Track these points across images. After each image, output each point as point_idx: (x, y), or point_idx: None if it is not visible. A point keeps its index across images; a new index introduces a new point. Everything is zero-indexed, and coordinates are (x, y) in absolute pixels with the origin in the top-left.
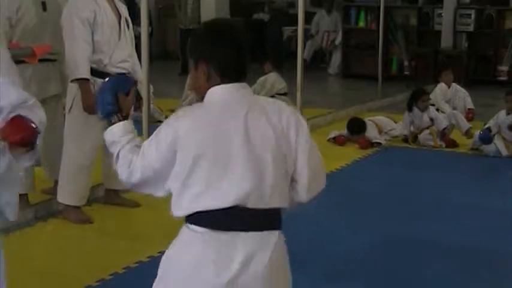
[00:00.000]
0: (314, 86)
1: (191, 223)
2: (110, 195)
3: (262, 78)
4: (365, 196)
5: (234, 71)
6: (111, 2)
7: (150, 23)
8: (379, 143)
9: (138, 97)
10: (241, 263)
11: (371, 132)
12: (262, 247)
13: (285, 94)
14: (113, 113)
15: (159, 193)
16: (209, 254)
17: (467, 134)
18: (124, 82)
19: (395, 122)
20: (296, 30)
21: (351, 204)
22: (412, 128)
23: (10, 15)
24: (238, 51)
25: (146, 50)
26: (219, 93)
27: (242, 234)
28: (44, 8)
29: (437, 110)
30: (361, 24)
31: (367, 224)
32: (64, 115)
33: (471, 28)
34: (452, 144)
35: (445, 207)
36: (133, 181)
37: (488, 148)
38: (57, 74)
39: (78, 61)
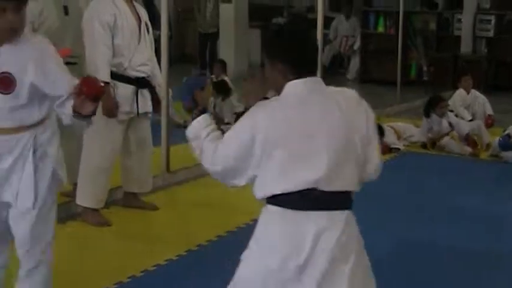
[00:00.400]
0: None
1: (270, 204)
2: (129, 198)
3: None
4: (382, 200)
5: (307, 67)
6: (131, 5)
7: (170, 27)
8: (398, 149)
9: (157, 100)
10: (312, 239)
11: (389, 138)
12: (332, 224)
13: None
14: (191, 107)
15: (242, 181)
16: (285, 229)
17: (488, 147)
18: (196, 81)
19: (417, 127)
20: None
21: (367, 208)
22: (430, 134)
23: (33, 19)
24: (311, 48)
25: (166, 53)
26: (296, 86)
27: (314, 213)
28: (66, 12)
29: (456, 116)
30: (380, 29)
31: (383, 228)
32: None
33: (491, 34)
34: (475, 145)
35: (462, 213)
36: (216, 170)
37: (508, 154)
38: (78, 77)
39: (99, 65)
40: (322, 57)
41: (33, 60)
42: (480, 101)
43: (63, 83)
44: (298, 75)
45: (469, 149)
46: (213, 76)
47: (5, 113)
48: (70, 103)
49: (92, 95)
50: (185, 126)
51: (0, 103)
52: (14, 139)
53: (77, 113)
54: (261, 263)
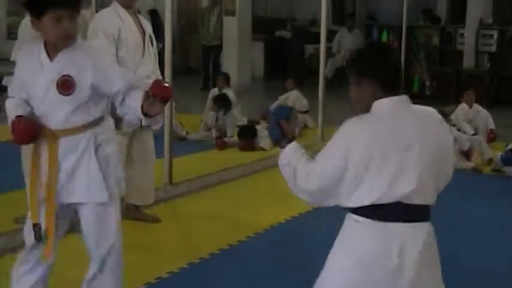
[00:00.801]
0: (335, 104)
1: (356, 214)
2: (131, 210)
3: (284, 96)
4: None
5: (395, 85)
6: (135, 18)
7: (173, 39)
8: None
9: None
10: (398, 249)
11: None
12: (418, 235)
13: (306, 112)
14: (280, 138)
15: (336, 201)
16: (374, 240)
17: (489, 162)
18: (282, 111)
19: None
20: (318, 48)
21: None
22: None
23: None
24: (398, 68)
25: (169, 66)
26: (386, 104)
27: (400, 224)
28: None
29: (458, 130)
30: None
31: None
32: None
33: (493, 49)
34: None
35: (464, 226)
36: (311, 189)
37: (510, 169)
38: None
39: None
40: (325, 70)
41: (89, 63)
42: (482, 116)
43: (119, 78)
44: (387, 94)
45: (471, 164)
46: (215, 89)
47: (66, 114)
48: (136, 103)
49: (162, 97)
50: (185, 139)
51: (62, 105)
52: (76, 139)
53: (145, 113)
54: (351, 272)
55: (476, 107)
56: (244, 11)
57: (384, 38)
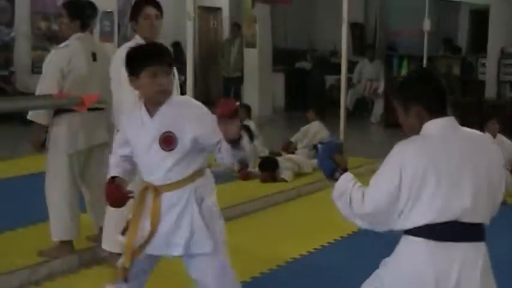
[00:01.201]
0: (357, 134)
1: (411, 235)
2: None
3: (305, 127)
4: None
5: (441, 108)
6: None
7: (195, 72)
8: None
9: None
10: (458, 269)
11: None
12: (475, 255)
13: None
14: (334, 171)
15: (390, 224)
16: (432, 260)
17: None
18: (334, 145)
19: None
20: (338, 78)
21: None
22: None
23: (62, 66)
24: (443, 91)
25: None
26: (435, 126)
27: (457, 244)
28: (94, 58)
29: None
30: (404, 73)
31: None
32: None
33: None
34: None
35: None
36: (367, 211)
37: None
38: (105, 122)
39: (126, 111)
40: (346, 101)
41: (188, 117)
42: (506, 146)
43: (216, 129)
44: (435, 116)
45: None
46: None
47: (168, 169)
48: (225, 143)
49: (226, 111)
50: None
51: (164, 160)
52: (178, 193)
53: (230, 142)
54: None
55: (500, 137)
56: (265, 42)
57: (405, 69)
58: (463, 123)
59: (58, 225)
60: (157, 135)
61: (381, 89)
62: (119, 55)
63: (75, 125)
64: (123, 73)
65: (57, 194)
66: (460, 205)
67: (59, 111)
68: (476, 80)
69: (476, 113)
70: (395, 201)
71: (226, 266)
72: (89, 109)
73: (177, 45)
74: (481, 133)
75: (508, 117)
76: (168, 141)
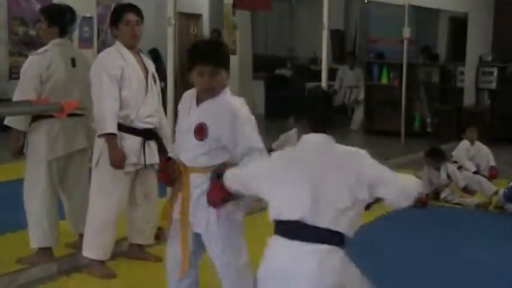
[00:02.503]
0: (337, 141)
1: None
2: (134, 250)
3: (286, 134)
4: (380, 253)
5: (320, 125)
6: (138, 57)
7: (175, 78)
8: None
9: (164, 151)
10: (292, 266)
11: None
12: (312, 255)
13: None
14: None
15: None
16: (276, 253)
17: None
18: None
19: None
20: (318, 86)
21: (366, 262)
22: (432, 187)
23: (41, 71)
24: (322, 110)
25: (172, 104)
26: (309, 138)
27: (296, 242)
28: (73, 64)
29: (460, 167)
30: (384, 80)
31: (382, 281)
32: (90, 169)
33: (493, 86)
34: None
35: (464, 265)
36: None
37: None
38: (84, 128)
39: (106, 117)
40: None
41: (225, 117)
42: (484, 153)
43: (244, 142)
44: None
45: (475, 201)
46: None
47: (196, 156)
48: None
49: (214, 201)
50: None
51: (195, 147)
52: (201, 177)
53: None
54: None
55: (478, 144)
56: (245, 49)
57: (385, 76)
58: (442, 130)
59: (37, 232)
60: (194, 124)
61: (361, 97)
62: (99, 60)
63: (54, 131)
64: (104, 78)
65: (35, 200)
66: (301, 208)
67: (37, 117)
68: (455, 88)
69: (454, 121)
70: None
71: (243, 247)
72: (68, 115)
73: (156, 52)
74: (354, 150)
75: (486, 125)
76: (200, 131)
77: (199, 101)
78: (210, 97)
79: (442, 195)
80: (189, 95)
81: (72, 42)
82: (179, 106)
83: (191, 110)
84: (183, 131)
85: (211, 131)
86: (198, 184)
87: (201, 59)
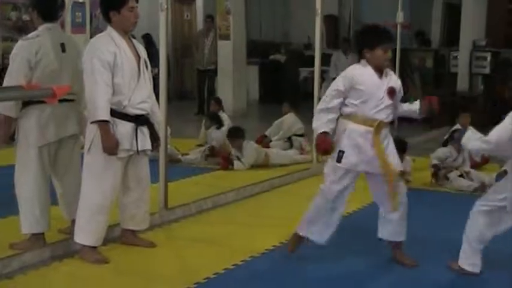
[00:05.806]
0: None
1: None
2: (127, 236)
3: (279, 120)
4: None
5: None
6: (130, 43)
7: (168, 64)
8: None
9: (156, 137)
10: None
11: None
12: None
13: (302, 135)
14: None
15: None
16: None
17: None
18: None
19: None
20: (312, 71)
21: (363, 245)
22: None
23: (30, 57)
24: None
25: (164, 90)
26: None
27: None
28: (63, 49)
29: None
30: None
31: (379, 264)
32: (82, 154)
33: (487, 70)
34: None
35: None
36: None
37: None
38: (76, 114)
39: (99, 103)
40: (320, 93)
41: (393, 79)
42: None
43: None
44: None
45: (474, 184)
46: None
47: (387, 113)
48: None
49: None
50: (180, 161)
51: (387, 107)
52: (385, 130)
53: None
54: None
55: (471, 129)
56: (239, 35)
57: None
58: (435, 115)
59: (28, 218)
60: (386, 89)
61: None
62: (91, 46)
63: (44, 117)
64: (96, 64)
65: (27, 187)
66: None
67: (27, 103)
68: (448, 73)
69: (448, 106)
70: None
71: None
72: (59, 100)
73: (148, 38)
74: None
75: (480, 110)
76: (391, 93)
77: (377, 74)
78: (387, 67)
79: (450, 175)
80: (362, 72)
81: (64, 27)
82: (339, 87)
83: (378, 82)
84: (376, 99)
85: (397, 94)
86: (383, 137)
87: (388, 38)
